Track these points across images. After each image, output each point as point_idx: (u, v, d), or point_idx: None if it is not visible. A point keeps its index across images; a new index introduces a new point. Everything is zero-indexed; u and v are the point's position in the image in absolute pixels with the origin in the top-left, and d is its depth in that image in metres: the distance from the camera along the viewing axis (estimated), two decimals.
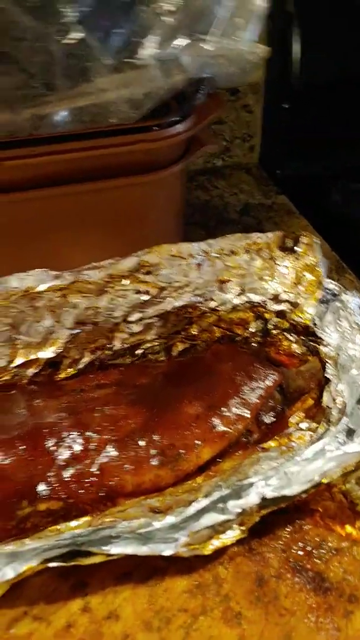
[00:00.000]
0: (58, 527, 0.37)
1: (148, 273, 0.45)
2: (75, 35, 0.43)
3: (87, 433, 0.42)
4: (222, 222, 0.73)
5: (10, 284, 0.43)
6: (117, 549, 0.33)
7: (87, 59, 0.44)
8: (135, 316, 0.47)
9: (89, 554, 0.32)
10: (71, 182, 0.51)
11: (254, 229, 0.71)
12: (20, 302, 0.44)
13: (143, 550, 0.33)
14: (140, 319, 0.47)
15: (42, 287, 0.44)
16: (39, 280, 0.44)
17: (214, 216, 0.75)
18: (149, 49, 0.44)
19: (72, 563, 0.32)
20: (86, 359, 0.49)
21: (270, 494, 0.35)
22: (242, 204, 0.77)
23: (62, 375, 0.49)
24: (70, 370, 0.49)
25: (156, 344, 0.49)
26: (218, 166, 0.87)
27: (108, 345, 0.49)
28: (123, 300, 0.46)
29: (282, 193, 0.80)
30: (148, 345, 0.49)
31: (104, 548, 0.33)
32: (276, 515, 0.36)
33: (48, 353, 0.48)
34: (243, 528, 0.35)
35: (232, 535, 0.35)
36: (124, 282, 0.45)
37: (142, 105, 0.47)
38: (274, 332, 0.49)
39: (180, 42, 0.45)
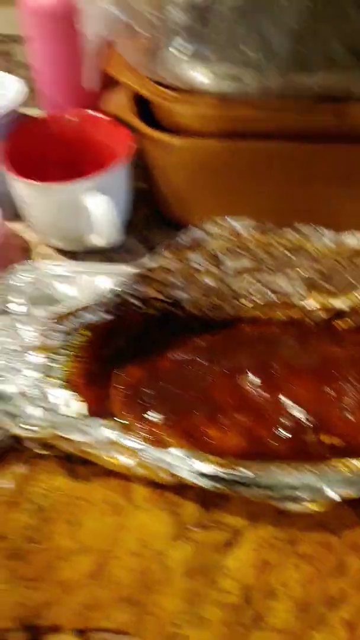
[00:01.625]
0: (350, 463, 0.42)
1: None
2: None
3: None
4: None
5: (344, 240, 0.47)
6: None
7: None
8: None
9: None
10: None
11: None
12: (342, 255, 0.48)
13: None
14: None
15: None
16: None
17: None
18: None
19: None
20: None
21: None
22: None
23: (341, 324, 0.53)
24: (350, 322, 0.53)
25: None
26: None
27: None
28: None
29: None
30: None
31: None
32: None
33: (339, 303, 0.52)
34: None
35: None
36: None
37: None
38: None
39: None
